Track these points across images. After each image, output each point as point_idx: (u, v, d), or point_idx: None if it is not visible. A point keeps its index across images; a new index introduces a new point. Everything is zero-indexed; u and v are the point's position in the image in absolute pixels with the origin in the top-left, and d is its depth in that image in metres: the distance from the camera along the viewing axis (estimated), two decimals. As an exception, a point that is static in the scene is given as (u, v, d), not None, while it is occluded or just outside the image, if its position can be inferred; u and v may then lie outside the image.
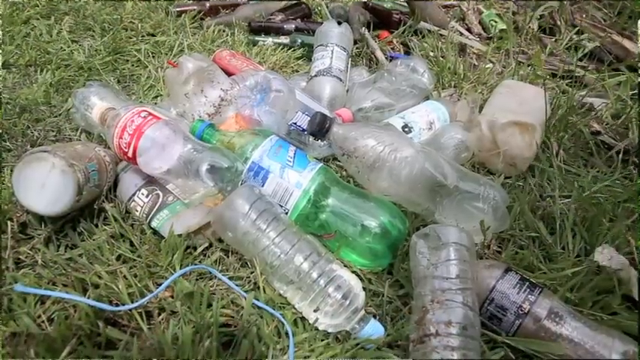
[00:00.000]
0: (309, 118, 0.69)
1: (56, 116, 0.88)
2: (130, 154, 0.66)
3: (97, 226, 0.67)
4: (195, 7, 1.31)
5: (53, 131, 0.84)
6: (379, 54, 1.20)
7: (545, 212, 0.78)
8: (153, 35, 1.22)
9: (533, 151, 0.84)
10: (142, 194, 0.68)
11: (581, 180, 0.87)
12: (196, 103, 0.77)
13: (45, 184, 0.61)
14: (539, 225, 0.75)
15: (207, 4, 1.32)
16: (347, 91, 0.91)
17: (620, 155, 0.91)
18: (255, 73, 0.81)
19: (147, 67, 1.04)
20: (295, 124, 0.71)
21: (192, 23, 1.28)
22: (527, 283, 0.60)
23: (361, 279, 0.62)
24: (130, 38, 1.18)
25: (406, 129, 0.83)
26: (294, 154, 0.66)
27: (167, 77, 0.80)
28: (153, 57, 1.10)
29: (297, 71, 1.11)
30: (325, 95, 0.85)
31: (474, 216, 0.68)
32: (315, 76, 0.88)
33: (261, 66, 1.02)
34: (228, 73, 0.96)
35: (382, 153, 0.63)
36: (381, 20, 1.33)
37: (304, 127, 0.69)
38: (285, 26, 1.22)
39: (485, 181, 0.71)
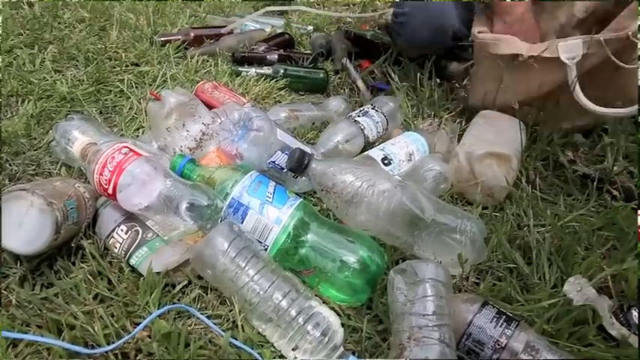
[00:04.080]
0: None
1: (36, 149, 0.88)
2: (110, 191, 0.66)
3: (74, 264, 0.66)
4: (179, 37, 1.32)
5: (32, 165, 0.84)
6: (360, 84, 1.22)
7: (523, 242, 0.80)
8: (137, 65, 1.22)
9: (509, 181, 0.86)
10: (121, 230, 0.67)
11: (557, 208, 0.89)
12: (178, 137, 0.78)
13: (22, 223, 0.60)
14: (516, 255, 0.76)
15: (192, 34, 1.34)
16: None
17: (595, 183, 0.93)
18: (238, 108, 0.83)
19: (129, 98, 1.05)
20: (274, 162, 0.72)
21: (177, 53, 1.29)
22: (504, 317, 0.60)
23: (340, 314, 0.63)
24: (114, 68, 1.18)
25: (385, 161, 0.84)
26: (274, 190, 0.67)
27: (149, 111, 0.81)
28: (136, 87, 1.11)
29: (280, 102, 1.13)
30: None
31: (452, 248, 0.69)
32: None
33: (243, 97, 1.03)
34: (211, 106, 0.97)
35: (360, 188, 0.64)
36: (363, 49, 1.36)
37: (283, 166, 0.70)
38: (268, 56, 1.24)
39: (463, 213, 0.72)
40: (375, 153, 0.85)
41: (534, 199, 0.89)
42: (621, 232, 0.82)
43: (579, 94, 0.87)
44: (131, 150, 0.67)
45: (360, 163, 0.67)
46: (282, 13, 1.60)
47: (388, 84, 1.25)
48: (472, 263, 0.71)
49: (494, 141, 0.89)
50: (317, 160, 0.66)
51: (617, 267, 0.73)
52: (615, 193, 0.94)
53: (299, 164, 0.65)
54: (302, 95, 1.20)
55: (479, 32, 0.96)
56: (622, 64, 0.84)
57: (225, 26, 1.40)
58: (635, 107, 0.86)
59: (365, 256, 0.65)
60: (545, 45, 0.89)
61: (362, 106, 1.02)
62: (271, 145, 0.71)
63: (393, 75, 1.23)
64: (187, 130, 0.78)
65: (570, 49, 0.85)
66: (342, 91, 1.24)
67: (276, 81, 1.16)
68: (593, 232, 0.83)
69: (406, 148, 0.88)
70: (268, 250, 0.65)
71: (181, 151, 0.78)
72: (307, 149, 0.78)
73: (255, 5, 1.71)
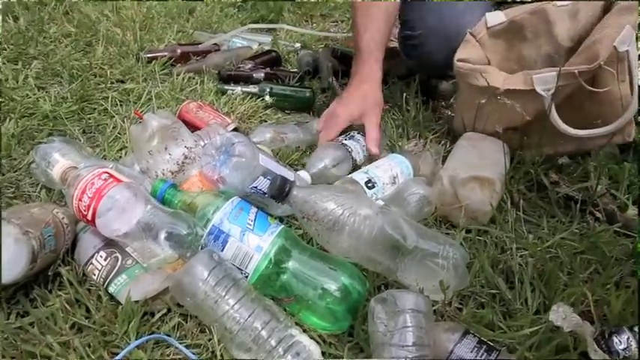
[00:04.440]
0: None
1: (15, 171, 0.87)
2: (89, 217, 0.65)
3: (51, 291, 0.65)
4: (166, 54, 1.32)
5: (11, 187, 0.83)
6: (347, 102, 1.23)
7: (506, 266, 0.80)
8: (122, 82, 1.22)
9: (493, 204, 0.86)
10: (101, 257, 0.67)
11: (540, 231, 0.89)
12: (160, 160, 0.77)
13: (-3, 252, 0.59)
14: (498, 280, 0.76)
15: (179, 51, 1.34)
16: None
17: (578, 205, 0.94)
18: (221, 130, 0.82)
19: (113, 117, 1.04)
20: (256, 187, 0.71)
21: (163, 70, 1.29)
22: (485, 346, 0.60)
23: (321, 342, 0.62)
24: (99, 85, 1.18)
25: (369, 184, 0.84)
26: (255, 216, 0.67)
27: (131, 133, 0.80)
28: (120, 106, 1.10)
29: (265, 121, 1.13)
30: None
31: (434, 274, 0.68)
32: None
33: (228, 117, 1.03)
34: (195, 126, 0.97)
35: (341, 216, 0.64)
36: (350, 67, 1.35)
37: (265, 191, 0.70)
38: (254, 75, 1.24)
39: (445, 239, 0.72)
40: (359, 176, 0.85)
41: (518, 221, 0.89)
42: (603, 255, 0.83)
43: (557, 120, 0.87)
44: (111, 176, 0.67)
45: (342, 190, 0.67)
46: (268, 31, 1.60)
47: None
48: (455, 289, 0.71)
49: (478, 164, 0.89)
50: (298, 187, 0.66)
51: (600, 292, 0.74)
52: (598, 215, 0.95)
53: (280, 192, 0.65)
54: (288, 114, 1.20)
55: (459, 60, 0.96)
56: (596, 89, 0.84)
57: (215, 45, 1.40)
58: (611, 126, 0.87)
59: (346, 284, 0.65)
60: (521, 78, 0.89)
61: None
62: (253, 170, 0.70)
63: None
64: (170, 154, 0.77)
65: (545, 81, 0.86)
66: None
67: (262, 100, 1.16)
68: (575, 256, 0.83)
69: (390, 170, 0.88)
70: (249, 277, 0.65)
71: (163, 174, 0.77)
72: (291, 173, 0.78)
73: (244, 22, 1.71)
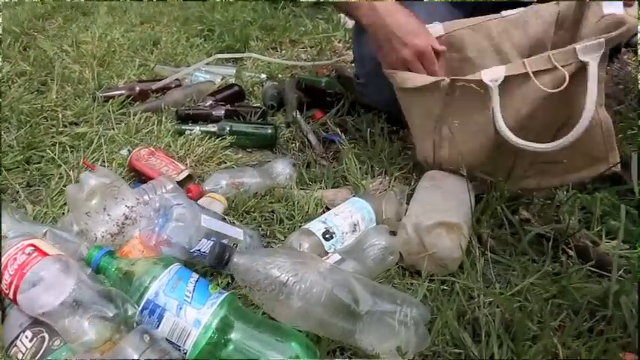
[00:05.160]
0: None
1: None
2: (11, 295, 0.60)
3: (-32, 382, 0.59)
4: (123, 92, 1.27)
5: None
6: (312, 137, 1.19)
7: (472, 317, 0.76)
8: (76, 124, 1.17)
9: (461, 250, 0.82)
10: (26, 337, 0.61)
11: (511, 273, 0.85)
12: (98, 221, 0.72)
13: None
14: (464, 335, 0.72)
15: (137, 89, 1.29)
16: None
17: (550, 242, 0.90)
18: (167, 184, 0.78)
19: (61, 165, 0.99)
20: (199, 250, 0.67)
21: (120, 109, 1.24)
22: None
23: None
24: (50, 129, 1.12)
25: (327, 235, 0.80)
26: (194, 287, 0.61)
27: (67, 193, 0.75)
28: (71, 152, 1.05)
29: (225, 162, 1.08)
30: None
31: (393, 336, 0.64)
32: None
33: (182, 162, 0.98)
34: (147, 176, 0.92)
35: (285, 286, 0.59)
36: (316, 99, 1.32)
37: (209, 254, 0.65)
38: (214, 112, 1.20)
39: (404, 297, 0.68)
40: (317, 226, 0.81)
41: (486, 264, 0.85)
42: (575, 299, 0.79)
43: (500, 123, 0.82)
44: (37, 249, 0.61)
45: (287, 254, 0.63)
46: (235, 61, 1.57)
47: (342, 133, 1.21)
48: (415, 351, 0.67)
49: (443, 207, 0.85)
50: (239, 254, 0.61)
51: (570, 343, 0.70)
52: (571, 253, 0.91)
53: (219, 260, 0.60)
54: (250, 152, 1.15)
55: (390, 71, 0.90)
56: (550, 90, 0.79)
57: (176, 81, 1.35)
58: (568, 137, 0.81)
59: (294, 356, 0.60)
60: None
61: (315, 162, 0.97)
62: (195, 233, 0.66)
63: (340, 133, 1.19)
64: (109, 214, 0.72)
65: (493, 72, 0.81)
66: (294, 144, 1.20)
67: (221, 139, 1.11)
68: (546, 302, 0.79)
69: (350, 218, 0.84)
70: (188, 354, 0.60)
71: (103, 237, 0.72)
72: (239, 230, 0.73)
73: (209, 52, 1.67)
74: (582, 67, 0.78)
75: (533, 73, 0.80)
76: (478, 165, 0.92)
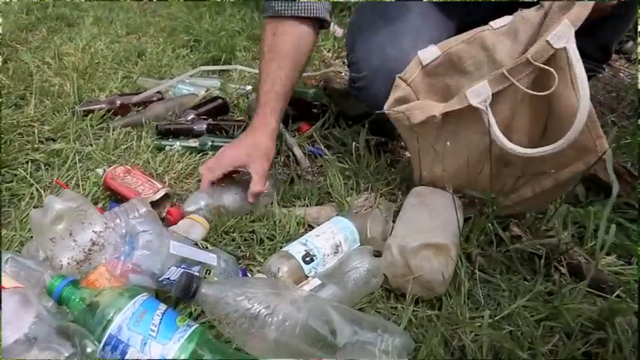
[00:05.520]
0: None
1: None
2: (-36, 331, 0.56)
3: None
4: (103, 106, 1.23)
5: None
6: (297, 151, 1.15)
7: (458, 344, 0.72)
8: (53, 140, 1.13)
9: (449, 272, 0.78)
10: (-19, 376, 0.57)
11: (500, 295, 0.82)
12: (64, 247, 0.68)
13: None
14: (449, 366, 0.68)
15: (118, 102, 1.25)
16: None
17: (542, 260, 0.87)
18: (140, 207, 0.74)
19: (33, 184, 0.95)
20: (169, 279, 0.63)
21: (100, 124, 1.20)
22: None
23: None
24: (25, 145, 1.08)
25: (307, 258, 0.76)
26: (160, 320, 0.57)
27: (32, 218, 0.71)
28: (45, 170, 1.01)
29: (205, 179, 1.04)
30: None
31: (375, 367, 0.60)
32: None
33: (160, 181, 0.95)
34: (122, 195, 0.88)
35: (256, 319, 0.55)
36: (301, 112, 1.29)
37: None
38: (195, 127, 1.16)
39: (385, 326, 0.64)
40: (297, 248, 0.77)
41: (475, 284, 0.82)
42: (568, 321, 0.75)
43: (500, 138, 0.78)
44: (-9, 281, 0.58)
45: (260, 283, 0.59)
46: (220, 73, 1.53)
47: (329, 148, 1.18)
48: (399, 382, 0.63)
49: (429, 227, 0.81)
50: (208, 285, 0.57)
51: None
52: (564, 271, 0.88)
53: (185, 292, 0.56)
54: (232, 168, 1.11)
55: (391, 107, 0.89)
56: (536, 93, 0.76)
57: (158, 94, 1.31)
58: (562, 141, 0.77)
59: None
60: (455, 99, 0.82)
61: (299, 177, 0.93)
62: (164, 261, 0.62)
63: (323, 149, 1.15)
64: (75, 240, 0.68)
65: (479, 93, 0.79)
66: (278, 159, 1.17)
67: (202, 155, 1.08)
68: (538, 323, 0.76)
69: (332, 239, 0.80)
70: (154, 393, 0.56)
71: (68, 264, 0.68)
72: (213, 256, 0.70)
73: (195, 64, 1.64)
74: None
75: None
76: (471, 181, 0.89)
